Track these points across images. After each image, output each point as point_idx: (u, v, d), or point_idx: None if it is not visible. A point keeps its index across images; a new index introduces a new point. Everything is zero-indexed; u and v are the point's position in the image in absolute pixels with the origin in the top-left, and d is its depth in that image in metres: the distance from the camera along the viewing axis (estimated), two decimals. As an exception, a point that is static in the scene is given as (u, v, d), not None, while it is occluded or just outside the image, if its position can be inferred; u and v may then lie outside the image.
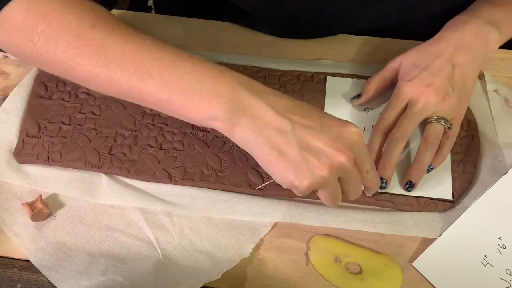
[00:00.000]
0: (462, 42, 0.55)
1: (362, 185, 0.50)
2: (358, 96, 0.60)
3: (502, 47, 0.63)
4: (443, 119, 0.54)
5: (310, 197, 0.55)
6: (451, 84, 0.54)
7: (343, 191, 0.49)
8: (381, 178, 0.53)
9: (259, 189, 0.55)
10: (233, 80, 0.45)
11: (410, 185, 0.54)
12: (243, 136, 0.45)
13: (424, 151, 0.53)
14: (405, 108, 0.55)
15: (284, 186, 0.46)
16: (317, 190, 0.48)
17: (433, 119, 0.54)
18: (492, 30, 0.55)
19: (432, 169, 0.55)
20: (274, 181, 0.47)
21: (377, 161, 0.55)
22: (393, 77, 0.59)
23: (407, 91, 0.55)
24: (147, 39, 0.46)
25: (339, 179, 0.47)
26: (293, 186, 0.45)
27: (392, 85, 0.58)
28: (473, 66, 0.55)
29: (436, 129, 0.54)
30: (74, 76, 0.47)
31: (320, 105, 0.60)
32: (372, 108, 0.61)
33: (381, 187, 0.53)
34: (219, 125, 0.45)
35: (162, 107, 0.46)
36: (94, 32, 0.45)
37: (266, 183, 0.54)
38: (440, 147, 0.54)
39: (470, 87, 0.55)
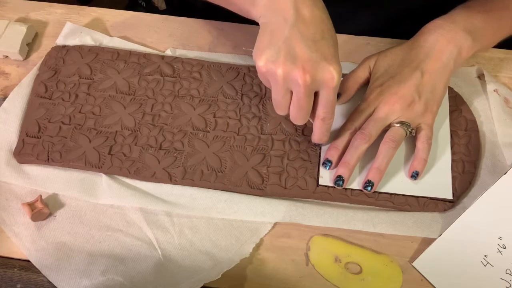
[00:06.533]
0: (434, 48, 0.55)
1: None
2: (338, 95, 0.60)
3: (502, 47, 0.63)
4: (405, 124, 0.54)
5: (310, 197, 0.55)
6: (418, 92, 0.55)
7: (290, 110, 0.52)
8: (339, 176, 0.54)
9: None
10: None
11: (368, 184, 0.54)
12: (261, 11, 0.50)
13: (380, 152, 0.54)
14: (372, 112, 0.56)
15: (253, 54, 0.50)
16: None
17: (397, 124, 0.55)
18: (467, 37, 0.55)
19: (417, 174, 0.55)
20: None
21: (340, 159, 0.55)
22: (368, 76, 0.60)
23: (374, 97, 0.56)
24: None
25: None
26: (254, 57, 0.49)
27: (368, 81, 0.59)
28: (444, 72, 0.55)
29: (397, 133, 0.54)
30: None
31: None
32: None
33: (338, 185, 0.54)
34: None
35: None
36: None
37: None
38: (416, 151, 0.55)
39: (440, 93, 0.56)
